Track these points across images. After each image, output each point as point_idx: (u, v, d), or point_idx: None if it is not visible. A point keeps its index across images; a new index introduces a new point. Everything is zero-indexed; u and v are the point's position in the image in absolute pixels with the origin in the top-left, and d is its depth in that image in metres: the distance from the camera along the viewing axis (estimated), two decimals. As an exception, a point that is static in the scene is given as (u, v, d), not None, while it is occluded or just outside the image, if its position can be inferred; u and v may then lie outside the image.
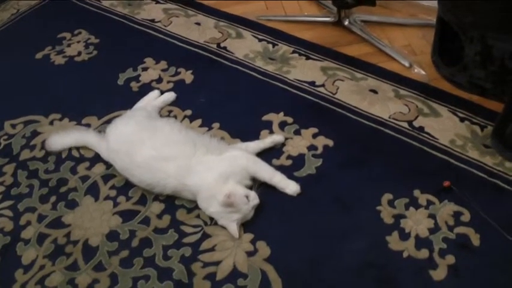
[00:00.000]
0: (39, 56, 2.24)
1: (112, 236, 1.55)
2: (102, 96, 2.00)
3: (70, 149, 1.80)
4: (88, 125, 1.88)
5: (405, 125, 1.76)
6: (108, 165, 1.72)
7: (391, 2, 2.28)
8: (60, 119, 1.92)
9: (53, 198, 1.67)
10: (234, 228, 1.47)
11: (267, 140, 1.71)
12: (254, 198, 1.50)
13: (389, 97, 1.87)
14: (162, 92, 1.96)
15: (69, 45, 2.28)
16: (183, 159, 1.54)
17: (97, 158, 1.75)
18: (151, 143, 1.57)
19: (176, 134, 1.62)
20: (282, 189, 1.57)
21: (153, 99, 1.92)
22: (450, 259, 1.40)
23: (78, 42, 2.29)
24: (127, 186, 1.66)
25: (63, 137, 1.81)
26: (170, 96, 1.94)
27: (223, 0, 2.45)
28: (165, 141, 1.59)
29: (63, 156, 1.79)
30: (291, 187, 1.57)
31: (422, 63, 2.00)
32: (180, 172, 1.52)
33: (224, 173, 1.51)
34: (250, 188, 1.54)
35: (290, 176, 1.61)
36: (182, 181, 1.52)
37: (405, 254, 1.42)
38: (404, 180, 1.59)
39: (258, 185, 1.55)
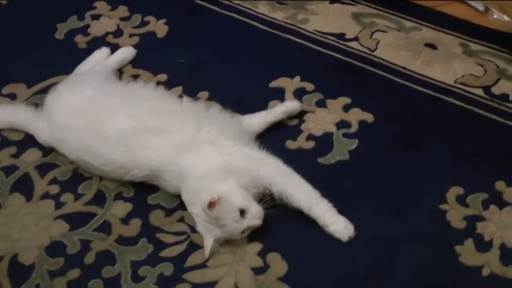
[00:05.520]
0: None
1: (55, 249, 1.56)
2: (33, 56, 2.03)
3: (-15, 130, 1.82)
4: (12, 96, 1.91)
5: (479, 92, 1.80)
6: (46, 150, 1.74)
7: None
8: (-33, 91, 1.95)
9: (-43, 200, 1.67)
10: (207, 244, 1.47)
11: (277, 110, 1.74)
12: (254, 217, 1.47)
13: (455, 54, 1.92)
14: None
15: (-28, -18, 2.30)
16: (180, 134, 1.56)
17: (28, 141, 1.78)
18: (129, 111, 1.61)
19: (166, 102, 1.67)
20: (324, 227, 1.51)
21: (102, 60, 1.96)
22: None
23: (-12, -23, 2.31)
24: (75, 179, 1.69)
25: None
26: (128, 52, 1.99)
27: None
28: (152, 110, 1.63)
29: (-26, 140, 1.80)
30: (339, 226, 1.50)
31: (505, 5, 2.03)
32: (175, 147, 1.54)
33: (228, 166, 1.51)
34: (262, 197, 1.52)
35: (312, 163, 1.63)
36: (173, 158, 1.53)
37: (485, 271, 1.43)
38: (480, 168, 1.61)
39: (270, 201, 1.51)
